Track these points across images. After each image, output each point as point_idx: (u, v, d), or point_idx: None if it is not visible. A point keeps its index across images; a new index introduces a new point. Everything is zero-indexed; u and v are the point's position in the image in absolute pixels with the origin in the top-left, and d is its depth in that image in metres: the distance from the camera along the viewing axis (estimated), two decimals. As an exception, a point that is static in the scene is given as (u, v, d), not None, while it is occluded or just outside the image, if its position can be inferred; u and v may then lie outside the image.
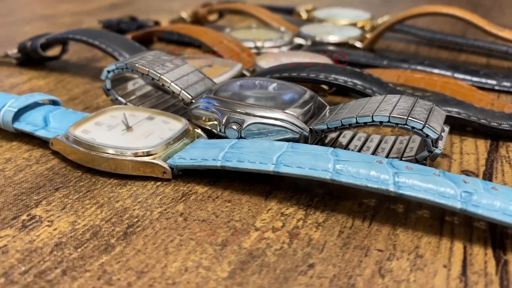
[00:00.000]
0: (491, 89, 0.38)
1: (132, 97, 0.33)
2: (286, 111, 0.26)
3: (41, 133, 0.28)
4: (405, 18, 0.43)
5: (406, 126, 0.24)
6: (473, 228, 0.22)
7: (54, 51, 0.42)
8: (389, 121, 0.24)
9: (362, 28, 0.52)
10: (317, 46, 0.46)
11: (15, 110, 0.28)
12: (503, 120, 0.30)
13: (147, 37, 0.44)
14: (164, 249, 0.20)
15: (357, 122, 0.25)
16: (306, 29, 0.48)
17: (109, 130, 0.27)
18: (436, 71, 0.39)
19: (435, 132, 0.24)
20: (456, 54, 0.48)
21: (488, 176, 0.26)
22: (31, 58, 0.40)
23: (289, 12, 0.58)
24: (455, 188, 0.21)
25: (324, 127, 0.26)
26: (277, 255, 0.20)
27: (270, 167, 0.23)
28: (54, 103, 0.31)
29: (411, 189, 0.21)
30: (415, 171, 0.22)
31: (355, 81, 0.32)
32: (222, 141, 0.26)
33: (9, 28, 0.54)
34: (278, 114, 0.26)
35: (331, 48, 0.46)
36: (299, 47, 0.46)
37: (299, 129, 0.26)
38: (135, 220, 0.22)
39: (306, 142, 0.26)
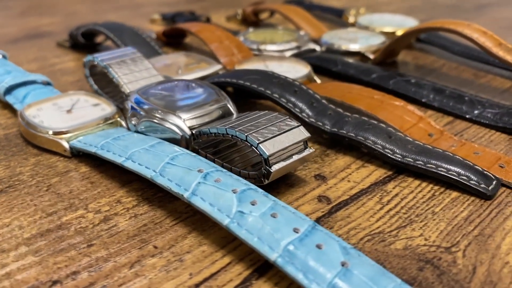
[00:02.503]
0: (469, 119, 0.34)
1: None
2: (176, 113, 0.29)
3: (17, 106, 0.35)
4: (412, 32, 0.41)
5: (246, 142, 0.25)
6: (261, 249, 0.22)
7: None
8: (236, 136, 0.26)
9: (398, 37, 0.50)
10: (329, 53, 0.46)
11: (7, 86, 0.36)
12: (411, 154, 0.28)
13: (176, 32, 0.50)
14: (10, 208, 0.25)
15: (218, 133, 0.27)
16: (329, 35, 0.48)
17: (56, 110, 0.34)
18: (413, 89, 0.37)
19: (266, 152, 0.25)
20: (482, 74, 0.43)
21: (342, 205, 0.25)
22: (78, 43, 0.49)
23: (339, 14, 0.58)
24: (236, 206, 0.22)
25: (200, 132, 0.28)
26: (76, 231, 0.24)
27: (120, 160, 0.27)
28: (48, 84, 0.39)
29: (200, 200, 0.23)
30: (219, 184, 0.23)
31: (280, 93, 0.32)
32: (117, 131, 0.30)
33: (96, 15, 0.64)
34: (165, 116, 0.29)
35: (344, 58, 0.45)
36: (311, 52, 0.47)
37: (181, 131, 0.29)
38: (17, 183, 0.28)
39: (187, 144, 0.29)
